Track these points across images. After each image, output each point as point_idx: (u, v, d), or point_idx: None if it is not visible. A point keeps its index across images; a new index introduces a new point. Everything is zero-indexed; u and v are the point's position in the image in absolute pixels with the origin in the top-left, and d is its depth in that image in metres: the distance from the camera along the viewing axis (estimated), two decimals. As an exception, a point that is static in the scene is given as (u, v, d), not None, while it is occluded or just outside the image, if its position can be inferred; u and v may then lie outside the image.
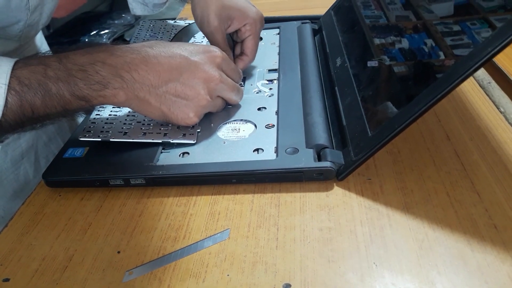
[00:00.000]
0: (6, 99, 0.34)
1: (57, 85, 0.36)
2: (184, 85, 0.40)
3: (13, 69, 0.35)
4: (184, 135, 0.42)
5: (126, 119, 0.45)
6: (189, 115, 0.41)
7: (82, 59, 0.37)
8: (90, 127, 0.44)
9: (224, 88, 0.43)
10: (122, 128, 0.43)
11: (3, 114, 0.34)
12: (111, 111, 0.47)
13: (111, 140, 0.42)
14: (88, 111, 0.44)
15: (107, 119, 0.45)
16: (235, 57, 0.53)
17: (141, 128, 0.43)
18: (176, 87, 0.40)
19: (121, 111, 0.46)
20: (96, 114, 0.46)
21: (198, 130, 0.43)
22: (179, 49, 0.41)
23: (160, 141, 0.42)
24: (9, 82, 0.34)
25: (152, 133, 0.43)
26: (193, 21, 0.63)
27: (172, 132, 0.43)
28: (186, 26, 0.64)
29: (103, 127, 0.44)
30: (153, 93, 0.39)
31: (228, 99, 0.45)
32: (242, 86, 0.50)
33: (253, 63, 0.54)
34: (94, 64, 0.37)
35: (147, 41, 0.42)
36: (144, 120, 0.45)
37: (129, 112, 0.46)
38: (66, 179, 0.41)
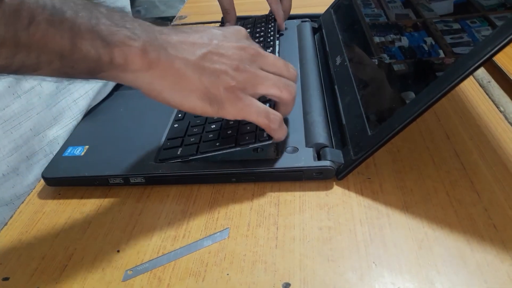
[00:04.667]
0: None
1: (76, 14, 0.27)
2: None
3: None
4: None
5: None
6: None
7: (115, 10, 0.30)
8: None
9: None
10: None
11: None
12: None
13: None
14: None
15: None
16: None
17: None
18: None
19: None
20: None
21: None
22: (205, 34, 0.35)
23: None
24: None
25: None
26: (194, 21, 0.63)
27: None
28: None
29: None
30: (190, 66, 0.32)
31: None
32: None
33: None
34: (124, 15, 0.31)
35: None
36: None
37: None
38: (66, 178, 0.41)
